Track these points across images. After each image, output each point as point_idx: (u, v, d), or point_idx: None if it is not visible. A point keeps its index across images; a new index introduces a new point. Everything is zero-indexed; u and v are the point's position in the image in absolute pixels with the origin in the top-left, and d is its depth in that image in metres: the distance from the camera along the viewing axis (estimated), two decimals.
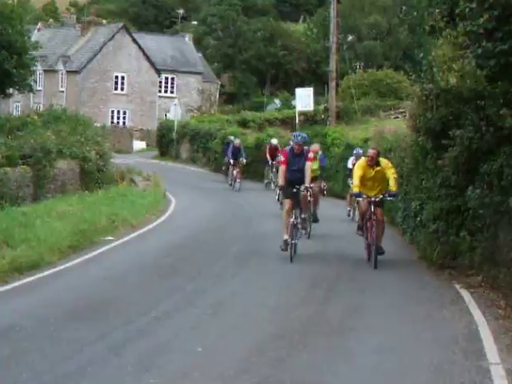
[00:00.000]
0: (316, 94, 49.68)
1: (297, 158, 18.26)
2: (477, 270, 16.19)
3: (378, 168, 17.64)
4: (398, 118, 52.06)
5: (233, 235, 21.30)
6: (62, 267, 16.38)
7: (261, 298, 13.42)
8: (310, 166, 18.47)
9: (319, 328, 12.06)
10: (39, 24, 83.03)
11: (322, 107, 52.46)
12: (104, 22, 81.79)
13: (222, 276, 15.74)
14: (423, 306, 14.10)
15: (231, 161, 37.37)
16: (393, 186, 17.43)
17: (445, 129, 16.73)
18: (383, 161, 17.96)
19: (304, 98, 47.41)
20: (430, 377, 9.82)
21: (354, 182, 17.93)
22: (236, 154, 37.63)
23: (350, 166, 25.87)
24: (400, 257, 19.16)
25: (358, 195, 17.81)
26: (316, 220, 22.54)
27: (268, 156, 36.48)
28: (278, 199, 17.81)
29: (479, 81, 16.70)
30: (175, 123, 57.70)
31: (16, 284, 14.42)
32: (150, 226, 23.43)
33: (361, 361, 10.29)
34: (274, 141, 37.19)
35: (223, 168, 41.09)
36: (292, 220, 17.84)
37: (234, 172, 36.95)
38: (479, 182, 15.54)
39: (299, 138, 18.53)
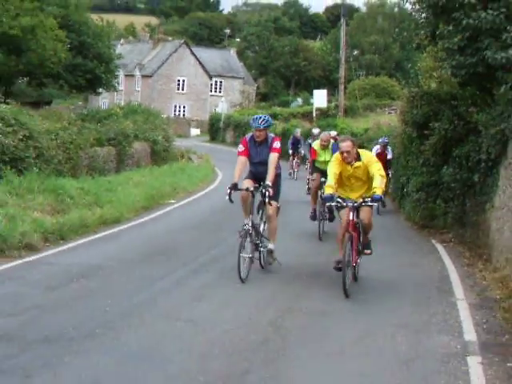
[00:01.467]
0: (329, 94, 49.48)
1: (259, 147, 11.34)
2: (448, 229, 16.28)
3: (358, 164, 10.72)
4: (391, 113, 51.61)
5: None
6: (136, 222, 16.51)
7: (291, 249, 13.35)
8: (276, 159, 11.20)
9: (326, 273, 12.07)
10: (122, 40, 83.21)
11: (333, 104, 52.17)
12: (170, 38, 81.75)
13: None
14: (407, 256, 14.10)
15: (290, 151, 31.21)
16: (378, 186, 10.39)
17: (426, 122, 16.67)
18: (365, 154, 11.02)
19: (320, 98, 47.31)
20: (412, 308, 9.87)
21: (327, 181, 10.73)
22: (296, 144, 30.72)
23: (373, 154, 19.39)
24: (390, 219, 19.09)
25: (330, 198, 10.50)
26: (332, 219, 15.32)
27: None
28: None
29: (453, 86, 16.65)
30: (222, 115, 57.81)
31: (103, 234, 14.56)
32: (203, 192, 23.52)
33: (360, 296, 10.30)
34: (333, 132, 28.54)
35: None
36: (247, 228, 10.99)
37: (294, 162, 31.14)
38: (452, 162, 15.51)
39: (260, 121, 11.15)
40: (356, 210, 10.62)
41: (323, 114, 49.03)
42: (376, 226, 15.61)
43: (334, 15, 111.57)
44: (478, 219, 14.22)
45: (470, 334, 8.59)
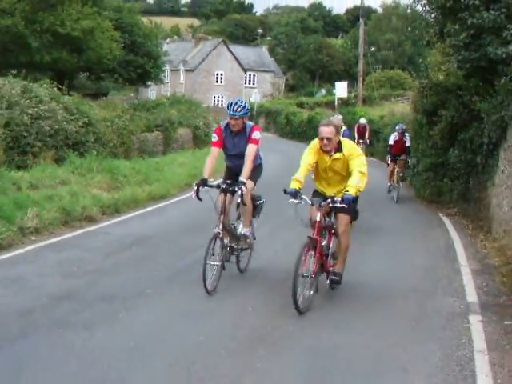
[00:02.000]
0: (349, 86, 49.10)
1: (236, 138, 8.41)
2: (454, 204, 16.18)
3: (338, 155, 7.79)
4: (403, 102, 51.02)
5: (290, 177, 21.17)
6: (181, 197, 16.59)
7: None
8: (255, 151, 8.35)
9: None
10: (168, 39, 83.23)
11: (352, 95, 51.67)
12: (210, 37, 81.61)
13: (284, 202, 15.68)
14: (418, 228, 14.05)
15: None
16: (352, 185, 7.48)
17: (435, 110, 16.57)
18: (347, 145, 7.90)
19: (341, 89, 46.99)
20: (422, 273, 9.86)
21: (297, 173, 7.85)
22: None
23: (390, 142, 17.93)
24: (403, 195, 18.96)
25: (293, 194, 7.74)
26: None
27: (356, 135, 24.50)
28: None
29: (459, 78, 16.47)
30: (255, 105, 57.60)
31: (151, 208, 14.68)
32: None
33: (376, 263, 10.30)
34: (363, 120, 25.83)
35: None
36: (217, 231, 8.26)
37: None
38: (457, 145, 15.41)
39: (235, 107, 8.17)
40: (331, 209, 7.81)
41: (344, 103, 48.60)
42: (389, 203, 15.55)
43: (353, 16, 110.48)
44: (480, 195, 14.12)
45: (471, 296, 8.58)
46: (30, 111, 16.06)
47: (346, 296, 8.31)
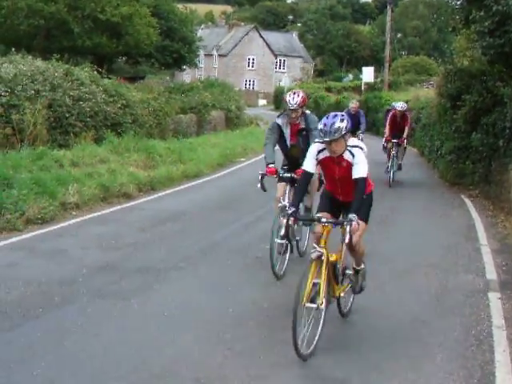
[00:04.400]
0: (375, 71, 48.54)
1: None
2: (476, 186, 16.00)
3: None
4: (428, 87, 50.31)
5: None
6: (213, 176, 16.64)
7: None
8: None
9: (371, 219, 11.97)
10: (202, 25, 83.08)
11: (379, 80, 51.15)
12: (242, 24, 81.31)
13: None
14: (440, 208, 13.91)
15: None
16: None
17: (459, 94, 16.34)
18: None
19: (368, 74, 46.50)
20: (444, 252, 9.79)
21: None
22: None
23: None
24: (426, 177, 18.79)
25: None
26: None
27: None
28: None
29: (483, 63, 16.24)
30: (285, 88, 57.25)
31: (185, 186, 14.75)
32: None
33: (400, 241, 10.26)
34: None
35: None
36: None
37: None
38: (480, 129, 15.21)
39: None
40: None
41: (370, 87, 48.15)
42: (413, 184, 15.40)
43: (381, 3, 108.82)
44: (501, 178, 13.94)
45: (491, 274, 8.51)
46: (71, 93, 16.20)
47: (368, 272, 8.29)
